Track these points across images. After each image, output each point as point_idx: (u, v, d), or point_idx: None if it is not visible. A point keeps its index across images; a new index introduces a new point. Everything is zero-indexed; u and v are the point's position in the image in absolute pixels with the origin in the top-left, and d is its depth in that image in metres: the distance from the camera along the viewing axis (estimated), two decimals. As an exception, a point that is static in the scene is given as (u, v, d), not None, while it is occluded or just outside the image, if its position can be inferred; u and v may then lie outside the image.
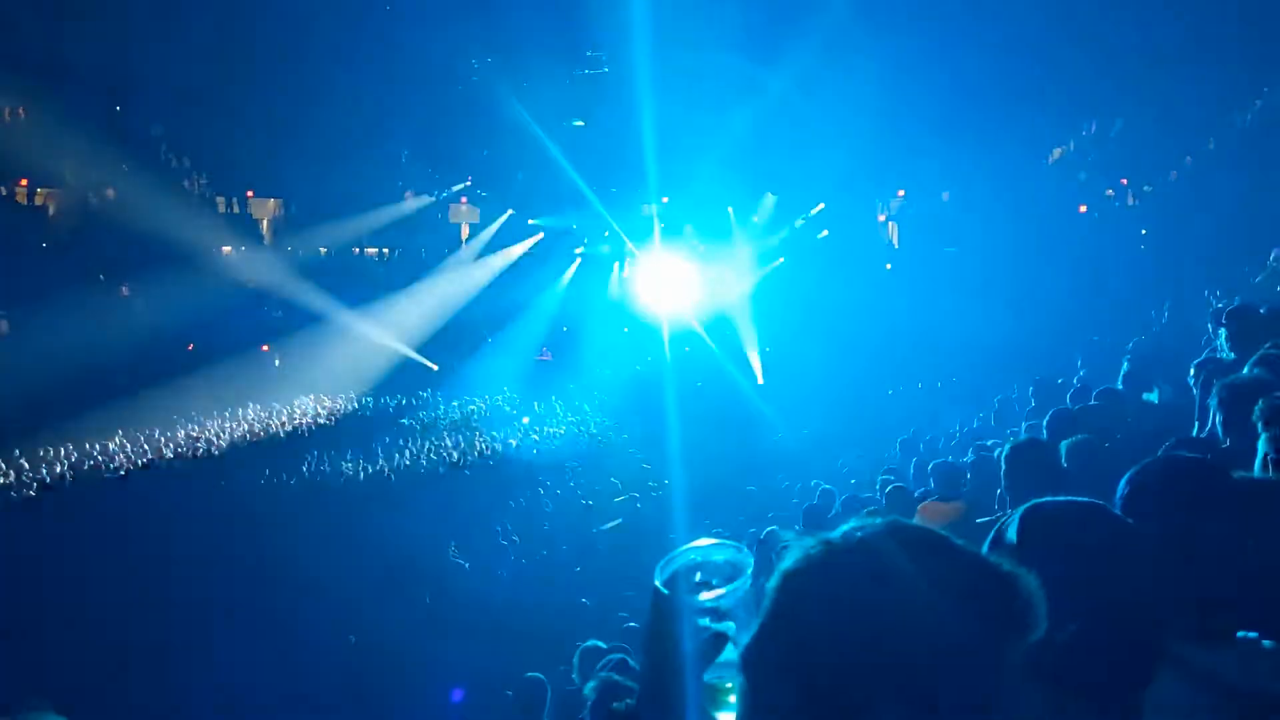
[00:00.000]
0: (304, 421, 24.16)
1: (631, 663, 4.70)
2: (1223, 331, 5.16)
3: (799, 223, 28.24)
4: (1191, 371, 4.83)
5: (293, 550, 14.07)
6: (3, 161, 25.12)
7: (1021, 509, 1.49)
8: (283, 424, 23.84)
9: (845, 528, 1.09)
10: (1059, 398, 7.69)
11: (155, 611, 11.29)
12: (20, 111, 25.52)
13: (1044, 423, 5.16)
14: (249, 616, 11.37)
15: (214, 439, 22.03)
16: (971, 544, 1.14)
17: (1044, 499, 1.53)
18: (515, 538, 14.53)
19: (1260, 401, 2.59)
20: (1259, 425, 2.51)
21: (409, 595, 12.64)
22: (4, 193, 26.11)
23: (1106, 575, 1.38)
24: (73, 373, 20.40)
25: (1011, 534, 1.46)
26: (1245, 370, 3.89)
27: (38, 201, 26.95)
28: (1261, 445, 2.44)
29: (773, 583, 1.07)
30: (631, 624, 7.07)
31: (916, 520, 3.42)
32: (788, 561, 1.07)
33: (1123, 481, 1.88)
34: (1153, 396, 5.82)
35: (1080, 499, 1.51)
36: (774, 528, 8.74)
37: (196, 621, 11.07)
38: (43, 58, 23.58)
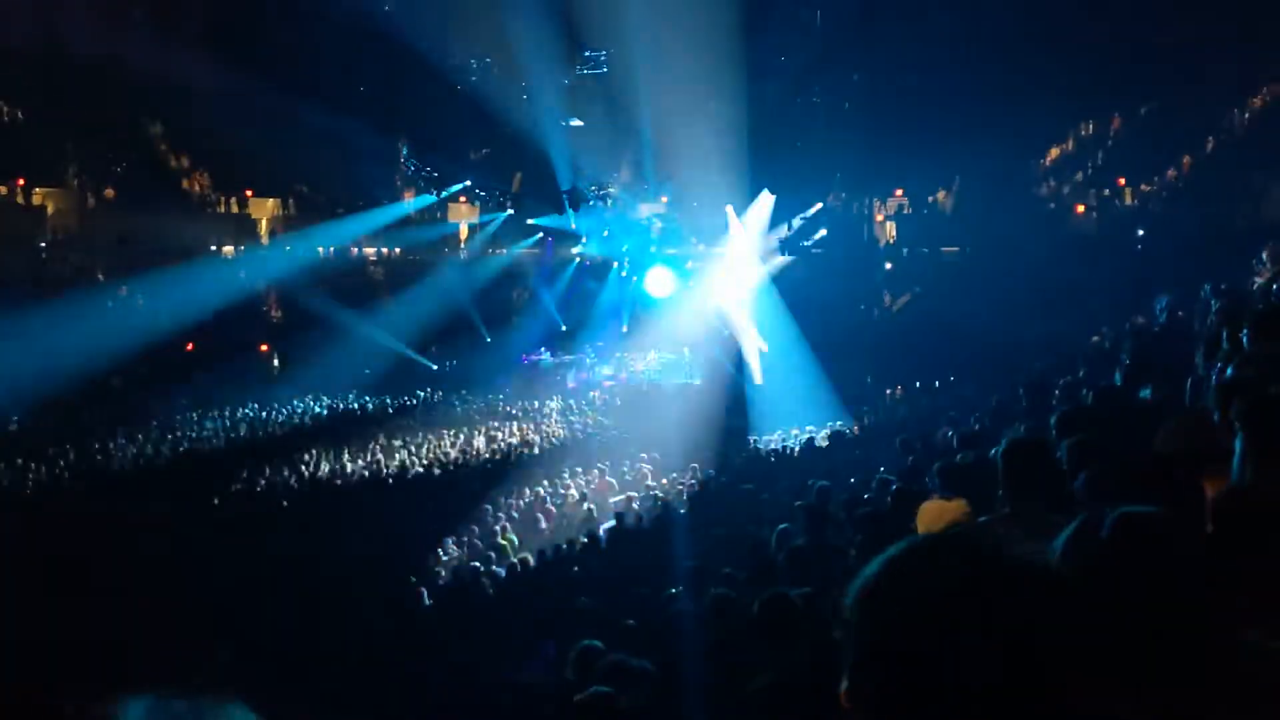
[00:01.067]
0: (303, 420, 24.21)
1: (632, 663, 4.71)
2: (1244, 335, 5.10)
3: (796, 222, 28.25)
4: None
5: (290, 549, 14.09)
6: (1, 160, 25.15)
7: (1116, 514, 1.63)
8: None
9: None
10: (1050, 398, 7.71)
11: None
12: (19, 111, 25.54)
13: (1052, 422, 5.16)
14: (246, 614, 11.40)
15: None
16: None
17: (1134, 507, 1.67)
18: (512, 537, 14.54)
19: (1235, 400, 2.60)
20: (1234, 424, 2.53)
21: (405, 596, 12.65)
22: (3, 192, 26.12)
23: (1185, 582, 1.55)
24: (71, 372, 20.43)
25: (1104, 534, 1.61)
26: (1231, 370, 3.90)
27: (36, 201, 26.97)
28: (1238, 443, 2.46)
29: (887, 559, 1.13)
30: (629, 622, 7.07)
31: (918, 520, 3.44)
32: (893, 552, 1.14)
33: (1082, 477, 1.97)
34: (1147, 394, 5.84)
35: (1165, 510, 1.67)
36: (785, 525, 8.75)
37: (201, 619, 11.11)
38: (42, 56, 23.61)
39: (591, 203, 26.94)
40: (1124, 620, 1.48)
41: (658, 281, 27.23)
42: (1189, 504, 1.89)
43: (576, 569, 12.72)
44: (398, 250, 29.99)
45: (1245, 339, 5.06)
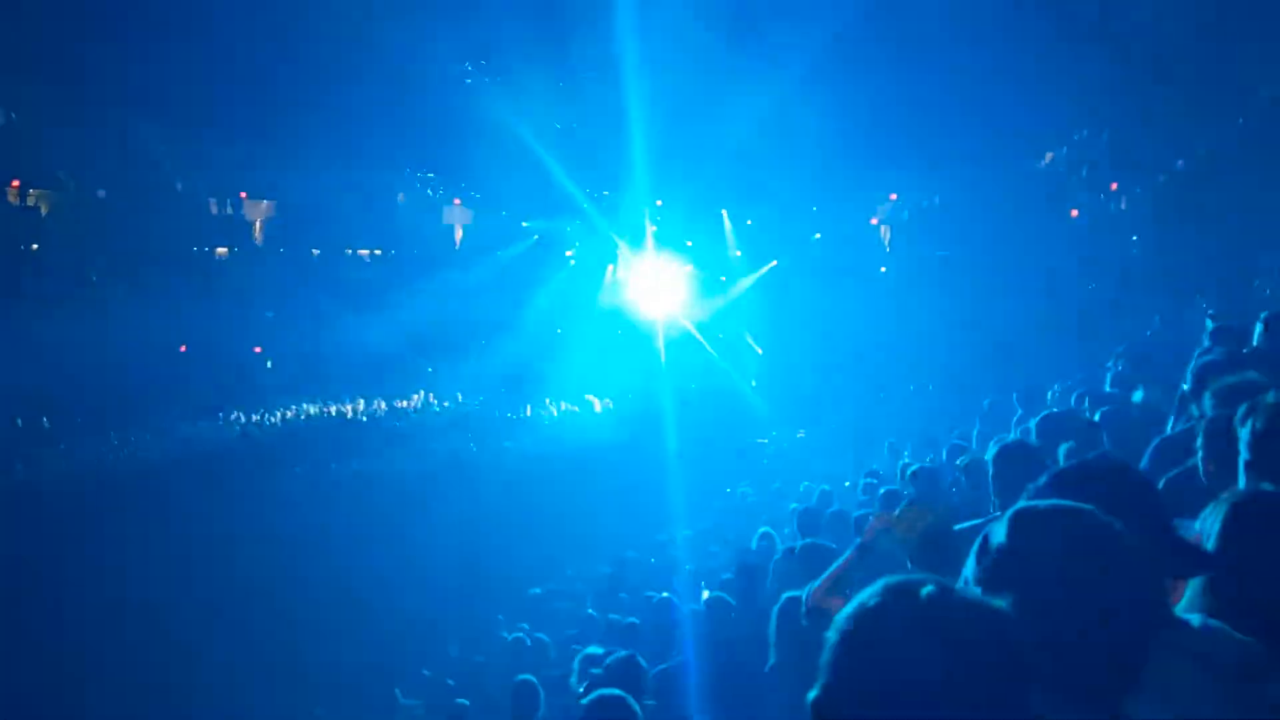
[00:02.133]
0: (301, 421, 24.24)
1: (640, 660, 4.73)
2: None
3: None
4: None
5: (300, 548, 14.13)
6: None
7: (1009, 512, 1.51)
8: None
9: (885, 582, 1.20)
10: (1045, 403, 7.75)
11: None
12: (12, 113, 25.46)
13: (1033, 425, 5.19)
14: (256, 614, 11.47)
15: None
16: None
17: (1031, 502, 1.57)
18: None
19: (1241, 406, 2.61)
20: (1238, 429, 2.53)
21: (405, 595, 12.67)
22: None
23: (1094, 576, 1.41)
24: (65, 375, 20.38)
25: (1000, 537, 1.47)
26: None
27: (29, 202, 26.89)
28: (1242, 450, 2.46)
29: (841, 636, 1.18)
30: (631, 619, 7.10)
31: (897, 525, 3.41)
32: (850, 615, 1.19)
33: (1041, 480, 1.93)
34: (1138, 397, 5.87)
35: (1066, 502, 1.53)
36: (767, 528, 8.82)
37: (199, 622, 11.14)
38: (36, 59, 23.52)
39: (585, 206, 26.90)
40: (1052, 628, 1.36)
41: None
42: (1139, 502, 1.81)
43: (569, 573, 12.75)
44: (392, 252, 29.95)
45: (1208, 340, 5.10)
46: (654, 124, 23.15)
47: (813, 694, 1.17)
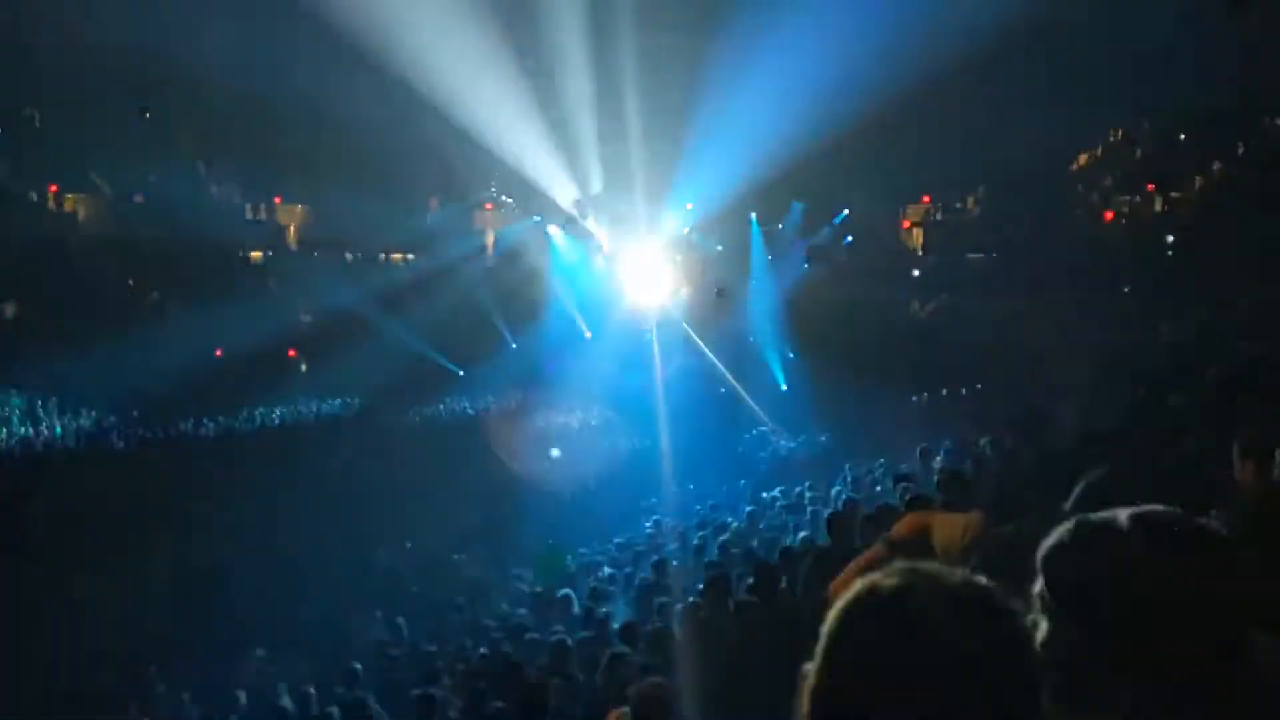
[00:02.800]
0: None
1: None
2: None
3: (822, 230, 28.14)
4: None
5: (309, 539, 14.24)
6: (31, 167, 25.50)
7: (1073, 522, 1.49)
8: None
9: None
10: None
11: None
12: (47, 117, 25.86)
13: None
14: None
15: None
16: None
17: (1094, 513, 1.53)
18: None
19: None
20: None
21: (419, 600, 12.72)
22: (34, 198, 26.46)
23: (1188, 579, 1.38)
24: (99, 379, 20.67)
25: (1069, 548, 1.46)
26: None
27: (66, 208, 27.30)
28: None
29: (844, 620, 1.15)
30: (659, 625, 7.07)
31: (933, 534, 3.38)
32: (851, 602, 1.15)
33: (1078, 488, 1.90)
34: (1173, 401, 5.82)
35: (1154, 507, 1.49)
36: (806, 533, 8.81)
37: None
38: (71, 62, 23.88)
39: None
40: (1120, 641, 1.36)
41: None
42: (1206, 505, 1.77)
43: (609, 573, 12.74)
44: (424, 256, 30.12)
45: None
46: (686, 122, 23.19)
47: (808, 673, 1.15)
